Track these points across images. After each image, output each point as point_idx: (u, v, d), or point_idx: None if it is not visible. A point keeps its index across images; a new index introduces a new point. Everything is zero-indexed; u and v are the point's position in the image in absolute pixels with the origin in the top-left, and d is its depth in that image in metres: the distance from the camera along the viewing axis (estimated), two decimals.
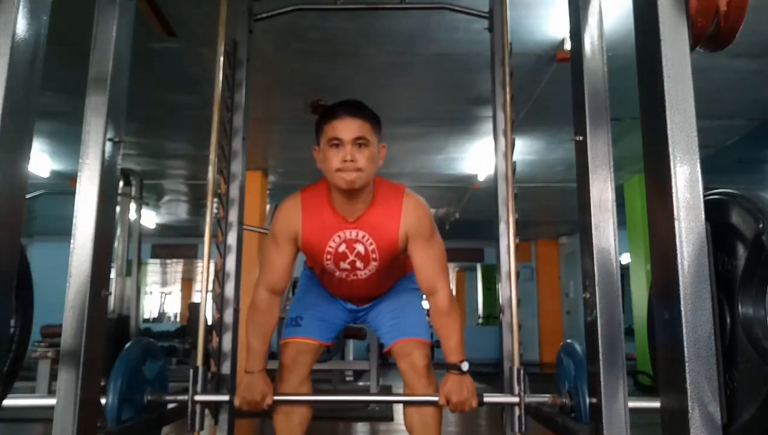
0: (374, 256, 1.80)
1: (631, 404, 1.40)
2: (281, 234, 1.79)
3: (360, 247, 1.79)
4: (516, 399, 1.77)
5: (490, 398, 1.81)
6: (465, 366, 1.76)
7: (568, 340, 1.94)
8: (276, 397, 1.79)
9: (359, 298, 2.00)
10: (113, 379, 1.66)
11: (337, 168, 1.67)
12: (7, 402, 1.43)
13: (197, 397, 1.80)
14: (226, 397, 1.85)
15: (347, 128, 1.68)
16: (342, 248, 1.80)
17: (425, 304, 1.96)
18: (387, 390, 5.80)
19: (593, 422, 1.47)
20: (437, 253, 1.81)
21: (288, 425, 1.85)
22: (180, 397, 1.84)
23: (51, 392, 3.95)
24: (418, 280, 1.84)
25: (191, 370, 1.80)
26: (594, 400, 1.45)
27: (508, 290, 1.96)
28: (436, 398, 1.79)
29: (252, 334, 1.79)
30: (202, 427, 1.81)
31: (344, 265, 1.82)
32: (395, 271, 1.97)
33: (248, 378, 1.77)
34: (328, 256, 1.81)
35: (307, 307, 1.98)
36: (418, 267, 1.81)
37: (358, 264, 1.82)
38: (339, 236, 1.78)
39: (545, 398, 1.81)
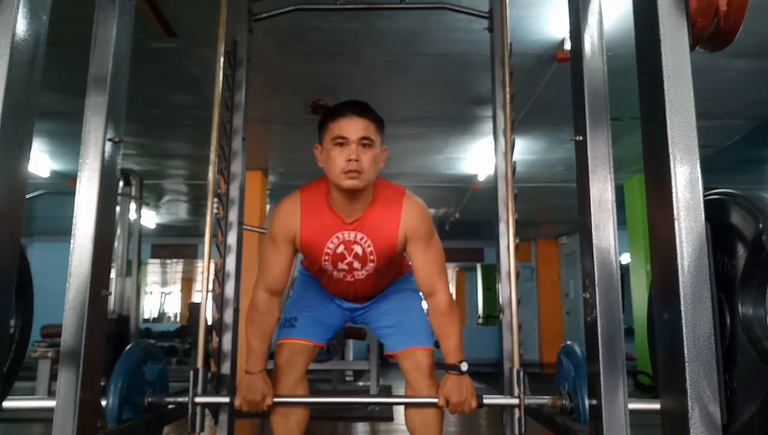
0: (372, 257, 1.81)
1: (631, 406, 1.40)
2: (279, 235, 1.79)
3: (358, 249, 1.80)
4: (516, 401, 1.76)
5: (489, 400, 1.80)
6: (464, 366, 1.75)
7: (568, 342, 1.94)
8: (276, 399, 1.79)
9: (356, 297, 1.99)
10: (114, 380, 1.66)
11: (342, 169, 1.66)
12: (6, 404, 1.43)
13: (197, 399, 1.81)
14: (226, 399, 1.86)
15: (354, 127, 1.68)
16: (340, 249, 1.80)
17: (424, 305, 1.96)
18: (387, 390, 5.80)
19: (593, 422, 1.47)
20: (436, 254, 1.82)
21: (286, 425, 1.85)
22: (180, 399, 1.84)
23: (51, 393, 3.94)
24: (418, 281, 1.84)
25: (191, 372, 1.81)
26: (594, 401, 1.45)
27: (508, 290, 1.95)
28: (435, 400, 1.79)
29: (252, 334, 1.80)
30: (202, 429, 1.81)
31: (342, 265, 1.82)
32: (392, 272, 1.97)
33: (248, 378, 1.77)
34: (326, 257, 1.81)
35: (302, 308, 1.98)
36: (417, 268, 1.81)
37: (356, 265, 1.82)
38: (337, 238, 1.79)
39: (545, 400, 1.80)
